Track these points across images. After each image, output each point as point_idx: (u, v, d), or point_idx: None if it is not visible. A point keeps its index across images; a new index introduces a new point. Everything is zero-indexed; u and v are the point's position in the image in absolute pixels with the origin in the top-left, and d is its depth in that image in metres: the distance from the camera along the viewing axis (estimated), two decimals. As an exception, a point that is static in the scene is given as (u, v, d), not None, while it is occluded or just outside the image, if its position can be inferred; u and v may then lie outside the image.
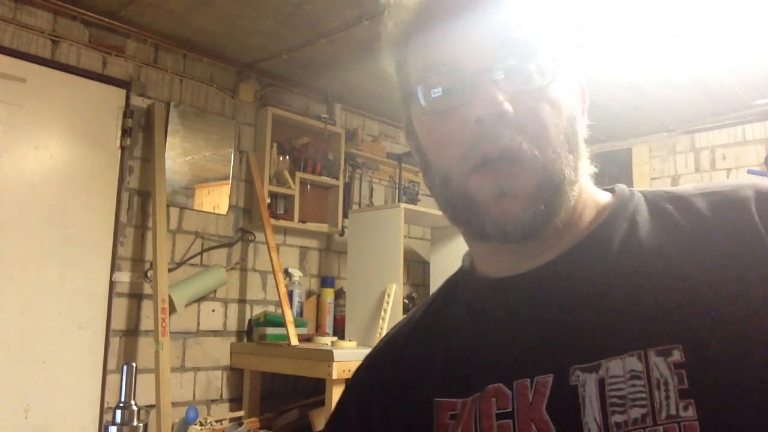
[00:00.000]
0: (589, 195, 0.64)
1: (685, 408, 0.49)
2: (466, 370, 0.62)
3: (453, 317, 0.68)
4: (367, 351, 0.78)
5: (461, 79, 0.58)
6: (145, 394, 2.53)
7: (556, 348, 0.56)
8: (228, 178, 3.01)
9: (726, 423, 0.48)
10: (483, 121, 0.56)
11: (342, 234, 3.39)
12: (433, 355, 0.66)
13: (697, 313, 0.52)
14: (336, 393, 2.44)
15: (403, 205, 3.06)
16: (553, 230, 0.58)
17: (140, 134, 2.74)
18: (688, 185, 0.65)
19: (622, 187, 0.66)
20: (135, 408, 0.84)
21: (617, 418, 0.51)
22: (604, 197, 0.65)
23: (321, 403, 2.64)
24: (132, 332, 2.64)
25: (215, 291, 2.91)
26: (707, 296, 0.53)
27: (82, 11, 2.53)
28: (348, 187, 3.49)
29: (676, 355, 0.51)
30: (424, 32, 0.61)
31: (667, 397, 0.50)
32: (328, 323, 3.21)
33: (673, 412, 0.50)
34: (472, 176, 0.58)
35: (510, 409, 0.56)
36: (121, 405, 0.84)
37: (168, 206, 2.75)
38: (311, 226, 3.23)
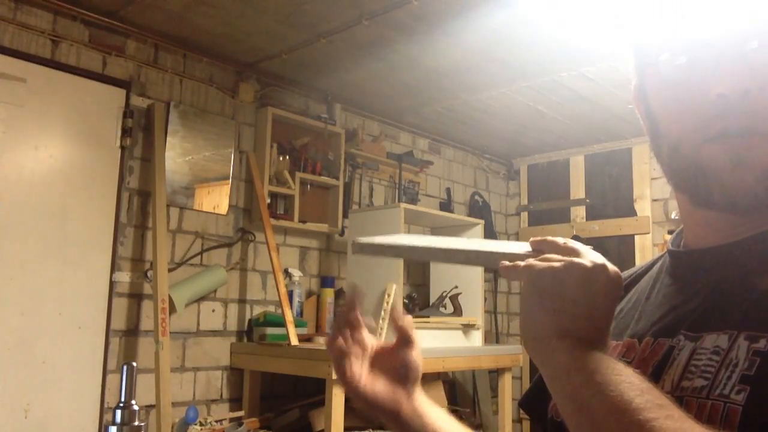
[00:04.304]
0: None
1: (738, 392, 0.50)
2: (627, 319, 0.68)
3: (651, 274, 0.72)
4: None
5: (708, 50, 0.56)
6: (145, 394, 2.53)
7: (688, 317, 0.59)
8: (228, 178, 3.01)
9: (762, 414, 0.48)
10: (725, 96, 0.55)
11: (342, 234, 3.38)
12: (622, 299, 0.72)
13: None
14: (336, 393, 2.44)
15: (403, 205, 3.06)
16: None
17: (140, 134, 2.74)
18: None
19: None
20: (135, 408, 0.84)
21: (685, 383, 0.54)
22: None
23: (321, 403, 2.64)
24: (132, 332, 2.64)
25: (215, 291, 2.91)
26: None
27: (82, 11, 2.52)
28: (348, 187, 3.48)
29: (761, 343, 0.51)
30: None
31: (729, 378, 0.51)
32: (328, 323, 3.20)
33: (726, 392, 0.50)
34: (706, 147, 0.57)
35: (630, 359, 0.62)
36: (121, 405, 0.83)
37: (168, 206, 2.75)
38: (311, 226, 3.23)
